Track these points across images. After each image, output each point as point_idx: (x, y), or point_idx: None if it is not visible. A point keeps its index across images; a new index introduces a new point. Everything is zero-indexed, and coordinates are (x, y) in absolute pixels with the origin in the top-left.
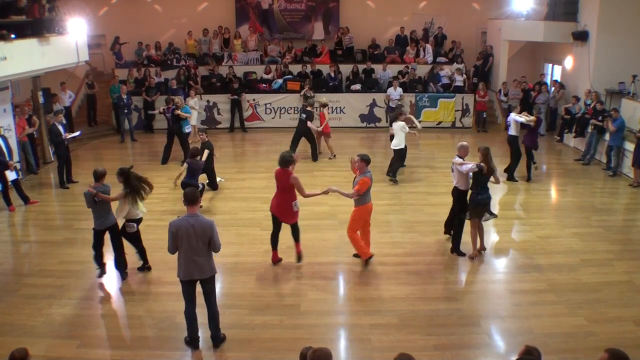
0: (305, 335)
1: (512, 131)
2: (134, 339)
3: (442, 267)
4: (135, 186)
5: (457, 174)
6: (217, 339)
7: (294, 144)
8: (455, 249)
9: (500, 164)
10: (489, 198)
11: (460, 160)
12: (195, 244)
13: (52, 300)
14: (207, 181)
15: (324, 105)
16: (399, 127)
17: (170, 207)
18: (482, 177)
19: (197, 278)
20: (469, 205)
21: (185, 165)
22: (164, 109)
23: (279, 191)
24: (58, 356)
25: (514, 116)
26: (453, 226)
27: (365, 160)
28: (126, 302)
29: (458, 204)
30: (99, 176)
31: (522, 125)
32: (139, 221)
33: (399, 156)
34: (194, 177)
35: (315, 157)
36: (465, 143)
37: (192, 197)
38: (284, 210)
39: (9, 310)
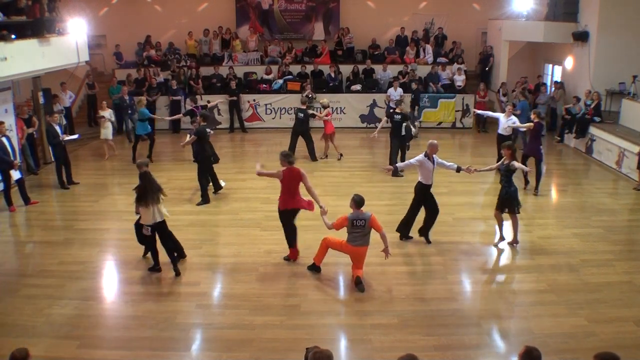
0: (306, 335)
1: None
2: (134, 339)
3: (442, 268)
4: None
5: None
6: None
7: (293, 143)
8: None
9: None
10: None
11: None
12: None
13: (52, 300)
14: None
15: (326, 106)
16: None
17: (170, 208)
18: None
19: None
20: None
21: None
22: (193, 107)
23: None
24: (58, 356)
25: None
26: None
27: (355, 201)
28: (126, 302)
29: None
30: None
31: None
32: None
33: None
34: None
35: (313, 157)
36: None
37: None
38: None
39: (9, 311)
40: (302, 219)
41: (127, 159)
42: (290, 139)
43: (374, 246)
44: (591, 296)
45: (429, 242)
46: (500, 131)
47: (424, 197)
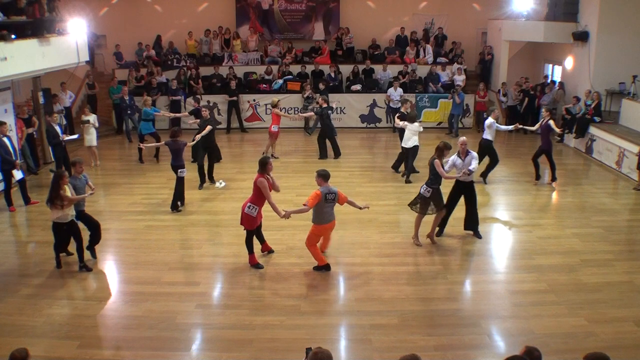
0: (306, 335)
1: (487, 135)
2: (134, 339)
3: (443, 268)
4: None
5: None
6: None
7: (333, 143)
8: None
9: (501, 165)
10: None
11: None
12: None
13: (52, 300)
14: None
15: (275, 105)
16: (416, 127)
17: (170, 208)
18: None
19: None
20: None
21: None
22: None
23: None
24: (58, 356)
25: (494, 124)
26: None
27: (322, 175)
28: (126, 302)
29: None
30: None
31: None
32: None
33: (414, 153)
34: (178, 158)
35: (331, 154)
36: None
37: None
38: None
39: (9, 311)
40: (299, 219)
41: (127, 159)
42: (330, 141)
43: (373, 247)
44: (591, 296)
45: (479, 236)
46: (488, 137)
47: (456, 193)
